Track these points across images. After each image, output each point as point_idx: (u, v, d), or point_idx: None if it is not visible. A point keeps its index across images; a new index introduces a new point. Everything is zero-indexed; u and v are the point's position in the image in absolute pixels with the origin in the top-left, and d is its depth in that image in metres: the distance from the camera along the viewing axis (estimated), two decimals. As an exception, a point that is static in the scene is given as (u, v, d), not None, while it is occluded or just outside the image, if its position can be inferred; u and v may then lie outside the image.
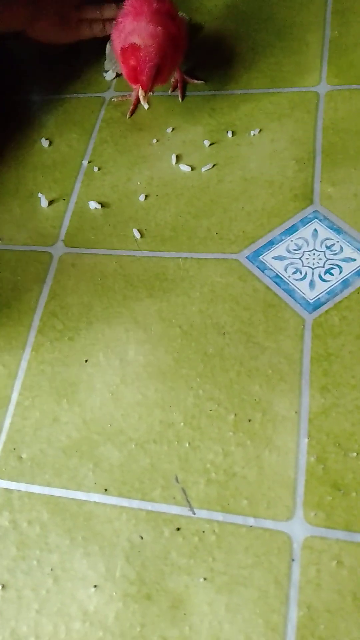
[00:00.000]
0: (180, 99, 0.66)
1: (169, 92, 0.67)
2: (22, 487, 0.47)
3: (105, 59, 0.72)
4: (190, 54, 0.70)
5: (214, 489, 0.44)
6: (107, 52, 0.71)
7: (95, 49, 0.73)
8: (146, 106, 0.57)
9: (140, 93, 0.56)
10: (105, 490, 0.46)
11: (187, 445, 0.46)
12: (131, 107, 0.66)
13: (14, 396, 0.51)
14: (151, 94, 0.61)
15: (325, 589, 0.40)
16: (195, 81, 0.67)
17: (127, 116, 0.66)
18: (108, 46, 0.71)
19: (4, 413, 0.50)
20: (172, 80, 0.66)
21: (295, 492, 0.43)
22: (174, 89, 0.67)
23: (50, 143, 0.66)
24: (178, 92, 0.66)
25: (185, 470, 0.45)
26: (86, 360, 0.51)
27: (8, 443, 0.49)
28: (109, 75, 0.71)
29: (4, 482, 0.47)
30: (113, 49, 0.62)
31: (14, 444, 0.49)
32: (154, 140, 0.64)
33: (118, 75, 0.71)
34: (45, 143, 0.66)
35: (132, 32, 0.56)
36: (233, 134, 0.63)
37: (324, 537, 0.41)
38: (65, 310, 0.55)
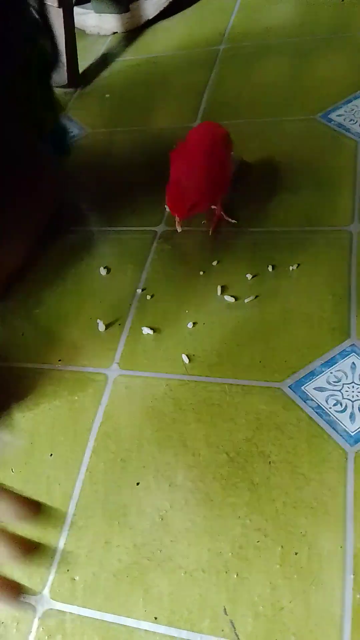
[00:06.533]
0: (210, 232, 0.74)
1: (202, 222, 0.75)
2: (74, 609, 0.49)
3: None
4: (235, 193, 0.78)
5: (262, 623, 0.45)
6: None
7: (148, 187, 0.83)
8: (179, 229, 0.69)
9: (177, 220, 0.68)
10: (155, 618, 0.47)
11: (235, 576, 0.48)
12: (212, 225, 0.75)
13: (69, 517, 0.54)
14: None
15: None
16: (230, 220, 0.75)
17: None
18: None
19: (59, 533, 0.53)
20: (213, 212, 0.75)
21: (342, 630, 0.44)
22: (209, 221, 0.75)
23: (108, 271, 0.74)
24: (211, 226, 0.75)
25: (233, 602, 0.46)
26: (137, 484, 0.54)
27: (62, 564, 0.51)
28: None
29: (58, 604, 0.49)
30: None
31: (67, 565, 0.51)
32: (201, 272, 0.70)
33: None
34: (103, 271, 0.74)
35: (180, 170, 0.67)
36: (273, 267, 0.69)
37: None
38: (118, 432, 0.59)
